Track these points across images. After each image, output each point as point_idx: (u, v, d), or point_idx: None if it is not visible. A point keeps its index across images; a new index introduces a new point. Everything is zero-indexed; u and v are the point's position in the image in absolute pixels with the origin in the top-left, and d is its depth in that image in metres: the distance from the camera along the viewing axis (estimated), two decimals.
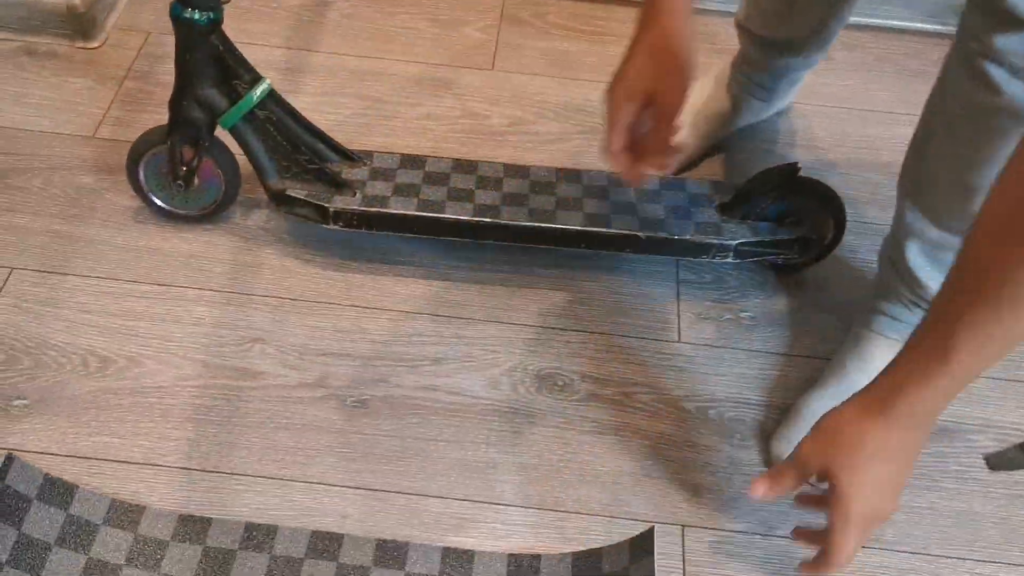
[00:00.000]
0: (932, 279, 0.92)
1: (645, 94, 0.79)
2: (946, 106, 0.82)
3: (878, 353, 0.97)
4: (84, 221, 1.08)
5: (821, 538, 0.75)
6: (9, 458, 0.81)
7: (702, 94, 1.20)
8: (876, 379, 0.71)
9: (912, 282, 0.93)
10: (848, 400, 0.74)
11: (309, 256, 1.07)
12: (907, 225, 0.90)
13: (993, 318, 0.62)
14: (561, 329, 1.03)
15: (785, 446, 0.93)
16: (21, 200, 1.09)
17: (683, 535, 0.89)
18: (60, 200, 1.10)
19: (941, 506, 0.92)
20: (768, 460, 0.94)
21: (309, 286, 1.05)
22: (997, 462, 0.96)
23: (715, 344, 1.03)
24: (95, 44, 1.28)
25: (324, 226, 1.03)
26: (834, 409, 0.74)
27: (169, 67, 1.25)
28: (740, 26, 1.13)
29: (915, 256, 0.91)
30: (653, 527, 0.81)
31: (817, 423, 0.75)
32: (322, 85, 1.26)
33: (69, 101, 1.21)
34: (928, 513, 0.92)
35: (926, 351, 0.66)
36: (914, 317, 0.95)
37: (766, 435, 0.96)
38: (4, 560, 0.78)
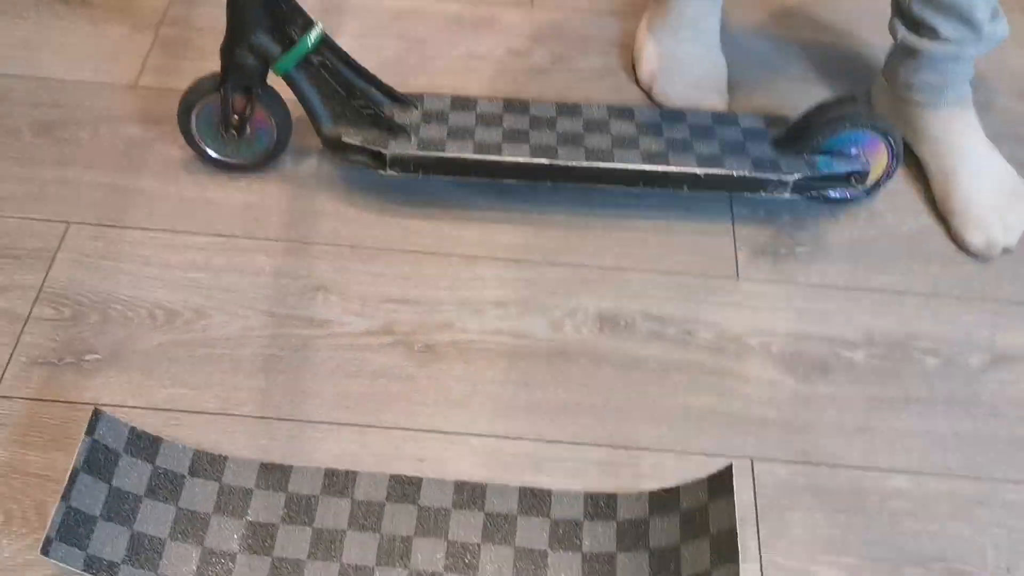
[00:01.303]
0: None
1: None
2: None
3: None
4: (136, 173, 1.08)
5: None
6: (96, 412, 0.81)
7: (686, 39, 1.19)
8: None
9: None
10: None
11: (364, 203, 1.07)
12: None
13: None
14: (620, 269, 1.04)
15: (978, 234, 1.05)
16: (71, 153, 1.09)
17: (752, 468, 0.90)
18: (110, 152, 1.09)
19: (1003, 433, 0.94)
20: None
21: (367, 233, 1.05)
22: None
23: (773, 280, 1.04)
24: None
25: (380, 172, 1.03)
26: None
27: (204, 11, 1.25)
28: None
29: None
30: (731, 464, 0.82)
31: None
32: (361, 27, 1.24)
33: (107, 49, 1.19)
34: (990, 439, 0.93)
35: None
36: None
37: (826, 370, 0.97)
38: (98, 514, 0.79)
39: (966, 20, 1.01)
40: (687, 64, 1.17)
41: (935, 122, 1.08)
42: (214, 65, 1.02)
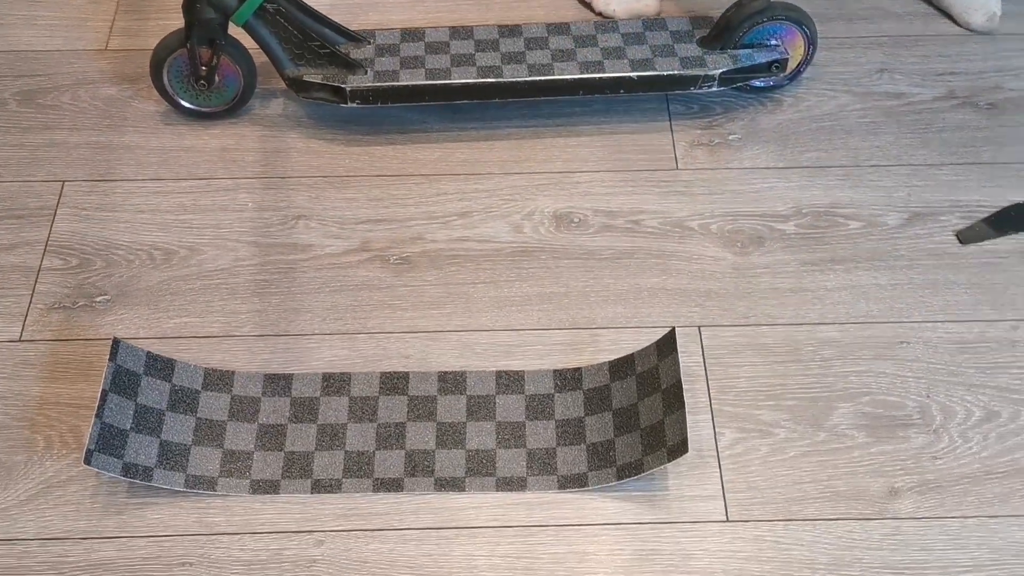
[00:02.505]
0: None
1: None
2: None
3: None
4: (118, 130, 1.17)
5: None
6: (116, 341, 0.92)
7: None
8: None
9: None
10: None
11: (331, 136, 1.17)
12: None
13: None
14: (569, 172, 1.14)
15: None
16: (55, 117, 1.18)
17: (700, 333, 1.02)
18: (91, 113, 1.18)
19: (919, 280, 1.06)
20: None
21: (337, 163, 1.14)
22: (968, 236, 1.09)
23: (709, 167, 1.14)
24: None
25: (342, 105, 1.12)
26: None
27: None
28: None
29: None
30: (673, 328, 0.94)
31: None
32: None
33: (75, 18, 1.27)
34: (908, 287, 1.05)
35: None
36: None
37: (760, 242, 1.08)
38: (129, 427, 0.90)
39: None
40: None
41: None
42: (177, 23, 1.11)
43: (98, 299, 1.04)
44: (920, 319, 1.03)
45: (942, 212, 1.11)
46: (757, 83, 1.17)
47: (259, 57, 1.13)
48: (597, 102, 1.18)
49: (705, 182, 1.13)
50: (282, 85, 1.17)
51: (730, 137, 1.17)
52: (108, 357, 0.91)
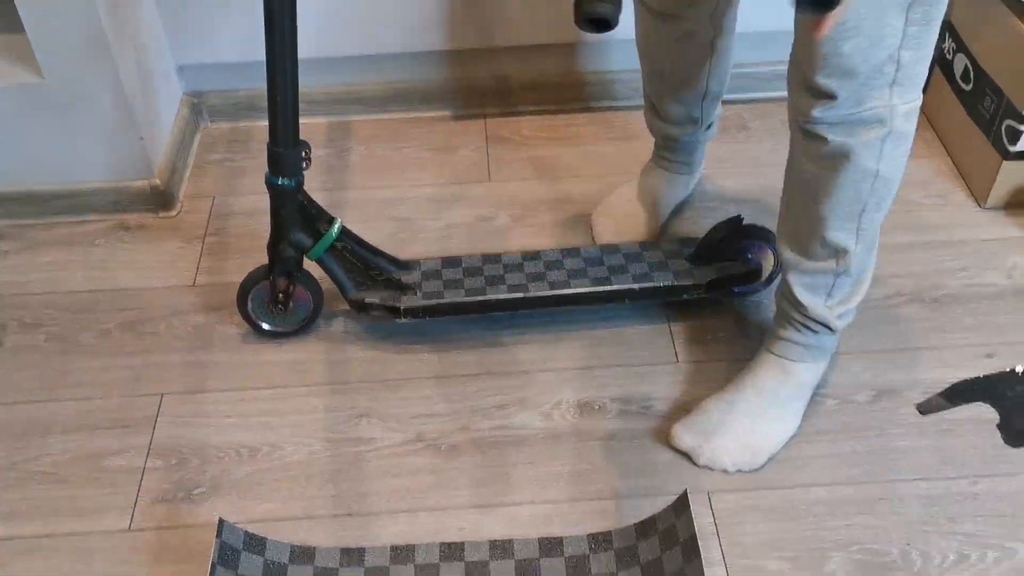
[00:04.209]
0: (811, 302, 1.20)
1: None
2: (794, 161, 1.14)
3: (768, 371, 1.26)
4: (207, 350, 1.39)
5: None
6: (221, 521, 1.09)
7: (630, 199, 1.53)
8: None
9: (797, 305, 1.22)
10: None
11: (385, 347, 1.39)
12: (786, 262, 1.21)
13: None
14: (588, 367, 1.35)
15: (685, 434, 1.24)
16: (152, 342, 1.40)
17: (709, 498, 1.20)
18: (183, 337, 1.40)
19: (890, 446, 1.25)
20: (667, 440, 1.24)
21: (392, 369, 1.36)
22: (926, 407, 1.29)
23: (705, 359, 1.36)
24: (174, 213, 1.60)
25: (397, 320, 1.35)
26: None
27: (238, 222, 1.59)
28: (649, 113, 1.47)
29: (796, 285, 1.21)
30: (686, 490, 1.12)
31: None
32: (359, 215, 1.59)
33: (166, 261, 1.52)
34: (881, 452, 1.24)
35: None
36: (802, 336, 1.23)
37: None
38: None
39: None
40: (619, 213, 1.52)
41: (767, 370, 1.28)
42: (252, 261, 1.36)
43: (195, 492, 1.22)
44: (894, 478, 1.21)
45: (904, 389, 1.32)
46: (737, 289, 1.41)
47: (325, 284, 1.37)
48: (607, 310, 1.41)
49: (703, 371, 1.35)
50: (343, 307, 1.40)
51: (719, 334, 1.39)
52: (215, 534, 1.08)
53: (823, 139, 1.06)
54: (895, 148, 1.07)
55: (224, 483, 1.23)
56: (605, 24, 0.82)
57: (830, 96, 1.02)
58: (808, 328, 1.23)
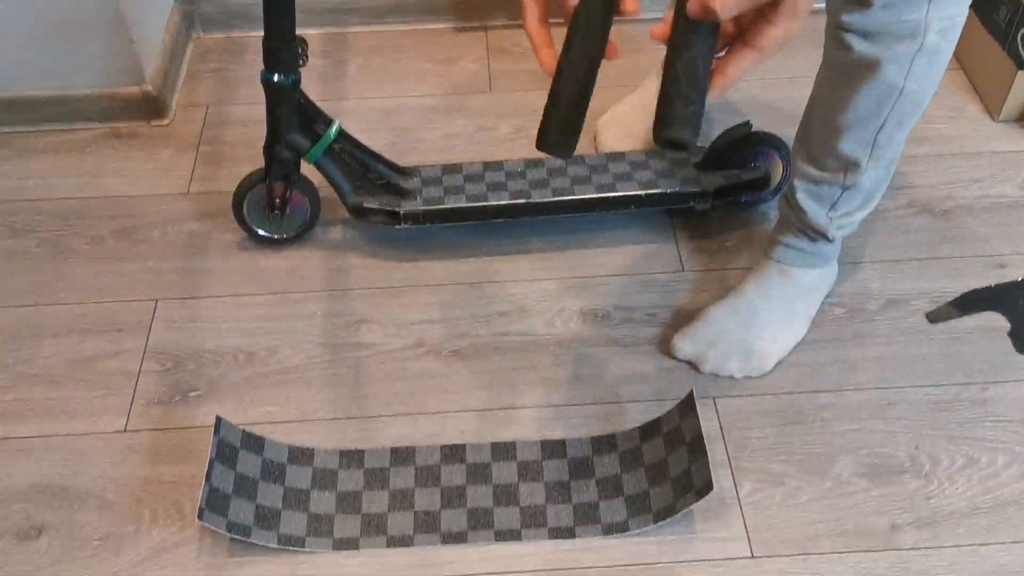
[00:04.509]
0: (814, 212, 1.18)
1: None
2: (823, 68, 1.10)
3: (769, 277, 1.23)
4: (202, 256, 1.36)
5: None
6: (218, 419, 1.07)
7: (635, 107, 1.49)
8: None
9: (798, 211, 1.19)
10: None
11: (385, 255, 1.36)
12: (797, 168, 1.18)
13: None
14: (592, 276, 1.32)
15: (686, 343, 1.21)
16: (148, 249, 1.37)
17: (715, 403, 1.18)
18: (178, 244, 1.37)
19: (900, 353, 1.23)
20: (667, 351, 1.22)
21: (391, 276, 1.33)
22: (936, 316, 1.27)
23: (710, 269, 1.33)
24: (167, 121, 1.56)
25: (396, 227, 1.31)
26: None
27: (232, 131, 1.55)
28: None
29: (801, 192, 1.18)
30: (692, 389, 1.10)
31: None
32: (356, 124, 1.54)
33: (159, 169, 1.48)
34: (890, 360, 1.22)
35: None
36: (799, 241, 1.21)
37: None
38: (230, 492, 1.04)
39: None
40: (624, 122, 1.48)
41: (772, 276, 1.25)
42: (248, 170, 1.32)
43: (191, 395, 1.19)
44: (903, 384, 1.19)
45: (912, 299, 1.29)
46: (744, 198, 1.38)
47: (322, 192, 1.34)
48: (612, 219, 1.38)
49: (708, 281, 1.32)
50: (341, 215, 1.37)
51: (726, 243, 1.37)
52: (212, 432, 1.06)
53: (849, 48, 1.01)
54: (927, 66, 1.02)
55: (221, 387, 1.20)
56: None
57: (863, 2, 0.97)
58: (805, 235, 1.21)
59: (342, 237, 1.38)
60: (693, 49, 0.75)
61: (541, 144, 0.84)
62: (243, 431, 1.10)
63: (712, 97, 0.75)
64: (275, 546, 1.03)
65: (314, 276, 1.33)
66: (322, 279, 1.33)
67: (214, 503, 1.02)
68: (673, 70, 0.75)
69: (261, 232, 1.35)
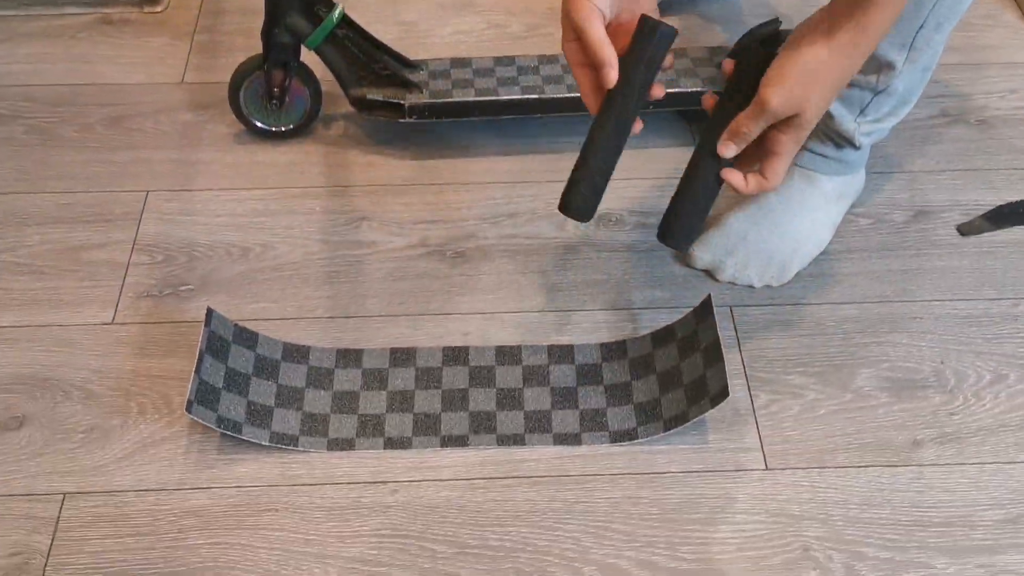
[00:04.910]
0: (842, 116, 1.10)
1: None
2: None
3: (795, 183, 1.16)
4: (196, 148, 1.29)
5: (766, 159, 0.92)
6: (209, 310, 1.02)
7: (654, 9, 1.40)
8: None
9: (826, 118, 1.11)
10: (801, 42, 0.87)
11: (389, 151, 1.29)
12: None
13: None
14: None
15: (703, 250, 1.15)
16: (140, 138, 1.30)
17: (731, 312, 1.12)
18: (171, 135, 1.31)
19: (927, 266, 1.17)
20: (683, 259, 1.16)
21: (395, 174, 1.26)
22: (967, 229, 1.21)
23: None
24: (160, 8, 1.48)
25: (400, 120, 1.24)
26: (789, 54, 0.87)
27: (229, 19, 1.48)
28: None
29: None
30: (709, 295, 1.04)
31: (780, 70, 0.86)
32: (361, 16, 1.45)
33: (153, 57, 1.41)
34: (916, 272, 1.16)
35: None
36: (823, 147, 1.14)
37: None
38: (221, 386, 0.99)
39: None
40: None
41: (794, 181, 1.17)
42: (245, 59, 1.24)
43: (182, 288, 1.14)
44: (930, 298, 1.14)
45: (943, 210, 1.23)
46: None
47: (323, 85, 1.27)
48: None
49: (726, 187, 1.25)
50: (343, 109, 1.30)
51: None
52: (203, 323, 1.01)
53: None
54: None
55: (213, 281, 1.15)
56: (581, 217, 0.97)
57: None
58: (831, 141, 1.14)
59: (344, 132, 1.31)
60: (709, 174, 0.95)
61: (566, 209, 0.96)
62: (236, 325, 1.04)
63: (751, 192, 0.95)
64: (267, 444, 0.99)
65: (313, 171, 1.27)
66: (322, 175, 1.26)
67: (203, 396, 0.97)
68: (692, 189, 0.96)
69: (258, 123, 1.28)
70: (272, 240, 1.19)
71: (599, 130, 0.92)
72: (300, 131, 1.30)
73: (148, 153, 1.28)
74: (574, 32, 0.89)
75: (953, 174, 1.27)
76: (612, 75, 0.88)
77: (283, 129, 1.29)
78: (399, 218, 1.22)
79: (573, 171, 0.95)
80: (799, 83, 0.86)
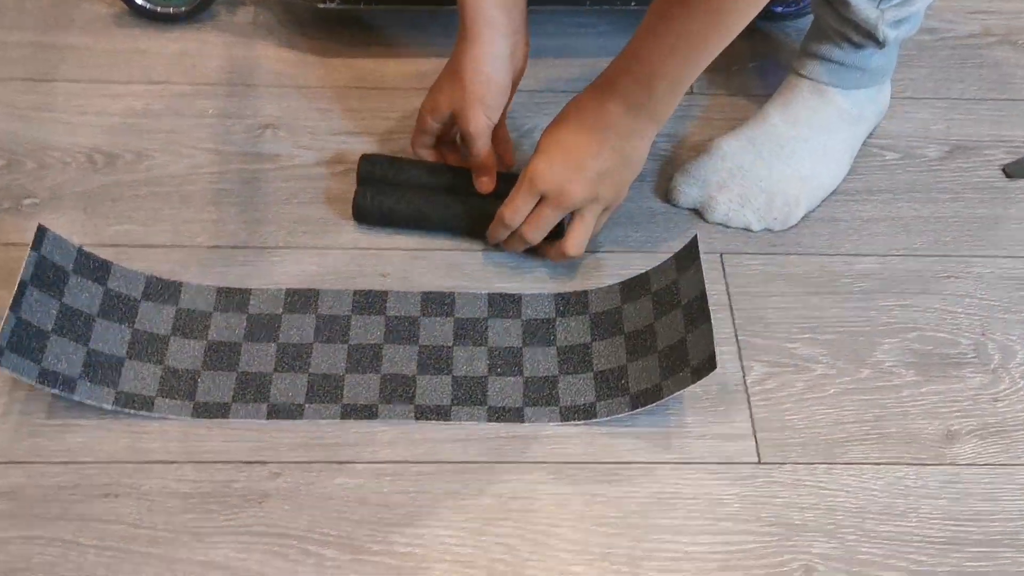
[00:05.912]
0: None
1: (449, 112, 0.87)
2: None
3: (798, 98, 0.94)
4: (64, 30, 1.03)
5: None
6: (41, 229, 0.77)
7: None
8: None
9: (838, 4, 0.89)
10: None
11: (306, 46, 1.04)
12: None
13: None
14: (568, 92, 1.02)
15: (689, 183, 0.93)
16: None
17: (722, 261, 0.89)
18: (34, 13, 1.05)
19: (966, 213, 0.94)
20: (664, 195, 0.94)
21: (312, 73, 1.02)
22: (1016, 170, 0.98)
23: (729, 93, 1.03)
24: None
25: (319, 6, 0.99)
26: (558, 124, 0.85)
27: None
28: None
29: None
30: (695, 236, 0.81)
31: (546, 142, 0.84)
32: None
33: None
34: (953, 220, 0.94)
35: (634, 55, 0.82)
36: (839, 51, 0.92)
37: None
38: (50, 329, 0.75)
39: None
40: None
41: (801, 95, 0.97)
42: None
43: (25, 202, 0.89)
44: (969, 253, 0.91)
45: (986, 147, 1.00)
46: (776, 9, 1.07)
47: None
48: (605, 21, 1.07)
49: (722, 108, 1.02)
50: None
51: (748, 65, 1.06)
52: (31, 246, 0.77)
53: None
54: None
55: (66, 194, 0.90)
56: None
57: None
58: (848, 40, 0.90)
59: (251, 20, 1.06)
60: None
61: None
62: (79, 249, 0.80)
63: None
64: (110, 407, 0.75)
65: (210, 65, 1.01)
66: (220, 70, 1.01)
67: (21, 342, 0.73)
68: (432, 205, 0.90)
69: (140, 2, 1.03)
70: (149, 147, 0.94)
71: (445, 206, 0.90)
72: (196, 14, 1.04)
73: (3, 35, 1.02)
74: (464, 140, 0.88)
75: (997, 104, 1.04)
76: (490, 186, 0.88)
77: (173, 11, 1.03)
78: (312, 127, 0.97)
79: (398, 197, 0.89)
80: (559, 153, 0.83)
